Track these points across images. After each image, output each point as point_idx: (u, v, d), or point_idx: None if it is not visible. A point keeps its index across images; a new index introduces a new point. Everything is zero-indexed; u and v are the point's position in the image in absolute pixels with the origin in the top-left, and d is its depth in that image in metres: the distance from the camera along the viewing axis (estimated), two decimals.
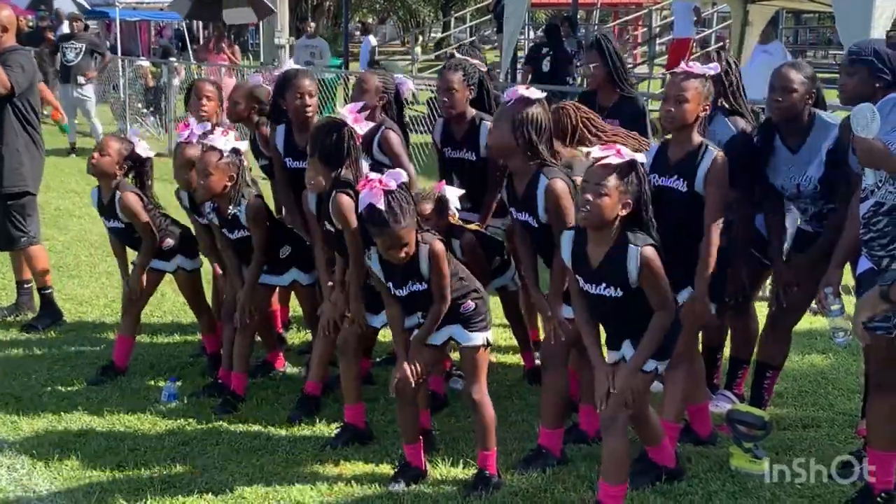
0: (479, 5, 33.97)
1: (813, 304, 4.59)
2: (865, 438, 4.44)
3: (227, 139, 5.13)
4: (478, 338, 4.30)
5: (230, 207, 5.17)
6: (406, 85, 5.89)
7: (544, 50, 14.60)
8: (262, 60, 18.15)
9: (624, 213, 3.80)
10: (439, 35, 37.78)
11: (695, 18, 17.30)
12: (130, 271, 5.75)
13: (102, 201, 5.70)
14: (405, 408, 4.43)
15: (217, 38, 17.21)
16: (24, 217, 6.73)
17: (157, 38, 31.83)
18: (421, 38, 41.38)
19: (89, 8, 21.67)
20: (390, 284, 4.29)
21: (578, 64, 14.00)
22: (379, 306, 4.67)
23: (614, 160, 3.77)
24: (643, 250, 3.77)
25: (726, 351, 5.50)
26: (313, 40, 18.53)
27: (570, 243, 3.99)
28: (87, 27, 18.17)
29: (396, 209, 4.01)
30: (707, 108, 4.43)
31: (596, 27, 29.13)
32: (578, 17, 24.58)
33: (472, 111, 5.47)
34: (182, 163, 5.34)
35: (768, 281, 7.28)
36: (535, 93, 4.43)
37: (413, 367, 4.31)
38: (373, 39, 23.30)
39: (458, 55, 5.90)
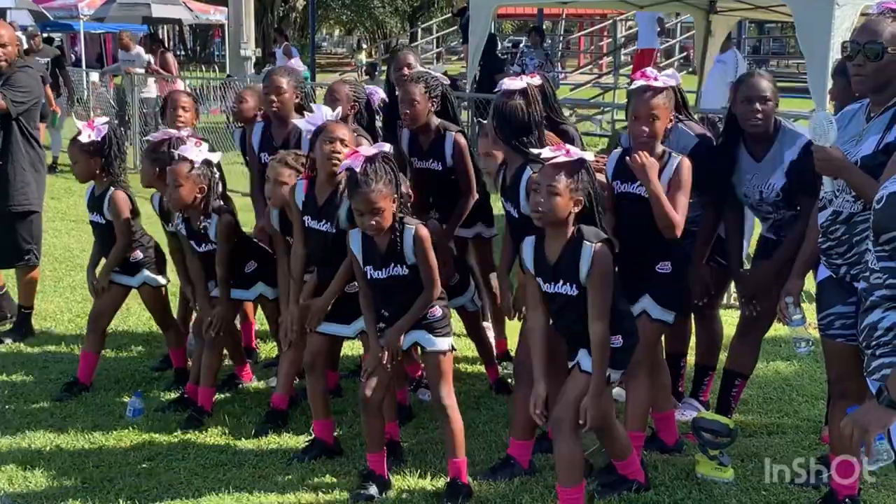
0: (445, 16, 34.13)
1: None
2: (829, 444, 4.49)
3: (199, 150, 5.13)
4: (443, 343, 4.34)
5: (200, 219, 5.15)
6: (377, 94, 5.89)
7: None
8: (227, 72, 18.04)
9: (576, 209, 3.90)
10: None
11: (658, 29, 17.45)
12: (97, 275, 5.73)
13: (94, 194, 5.68)
14: (370, 415, 4.43)
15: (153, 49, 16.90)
16: (31, 235, 6.72)
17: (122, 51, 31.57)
18: (366, 46, 41.53)
19: (52, 19, 21.53)
20: (369, 269, 4.29)
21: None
22: (348, 316, 4.68)
23: (563, 159, 3.88)
24: (596, 247, 3.87)
25: (691, 358, 5.53)
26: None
27: (531, 249, 4.07)
28: (51, 40, 18.04)
29: (371, 174, 4.11)
30: (672, 119, 4.47)
31: (561, 37, 29.34)
32: (544, 27, 24.73)
33: (436, 121, 5.48)
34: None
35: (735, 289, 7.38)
36: (516, 83, 4.49)
37: (384, 353, 4.33)
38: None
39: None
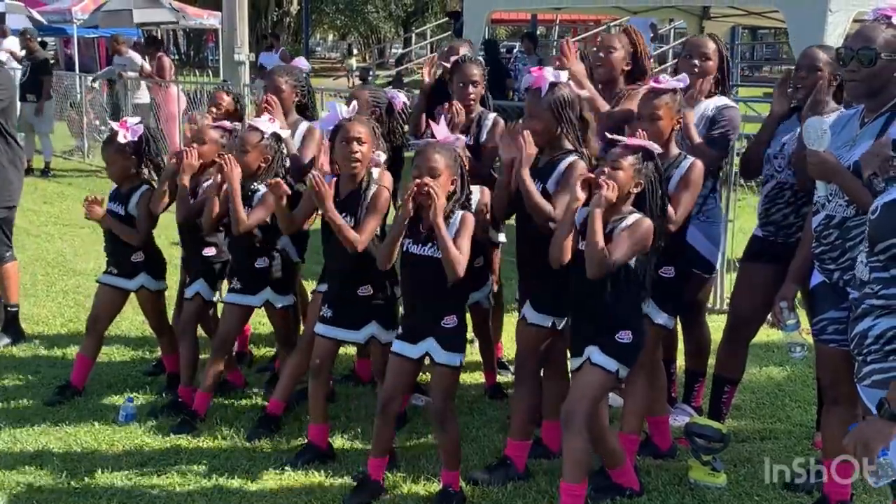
0: (439, 21, 34.14)
1: (769, 318, 4.65)
2: (822, 450, 4.49)
3: (271, 123, 5.20)
4: (454, 359, 4.30)
5: (254, 185, 5.16)
6: (398, 98, 5.77)
7: None
8: (221, 77, 18.01)
9: (636, 190, 4.03)
10: (400, 51, 37.84)
11: (651, 34, 17.51)
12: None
13: (120, 191, 5.66)
14: (385, 421, 4.42)
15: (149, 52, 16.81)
16: (8, 233, 6.70)
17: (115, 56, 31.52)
18: (356, 51, 41.54)
19: (46, 24, 21.49)
20: (408, 242, 4.29)
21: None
22: (358, 321, 4.68)
23: (635, 142, 4.06)
24: (641, 218, 4.00)
25: (681, 362, 5.54)
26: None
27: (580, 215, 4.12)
28: (44, 44, 18.00)
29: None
30: (680, 121, 4.49)
31: (555, 43, 29.37)
32: (538, 33, 24.77)
33: (479, 108, 5.46)
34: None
35: (728, 295, 7.40)
36: (560, 75, 4.49)
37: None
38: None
39: (462, 50, 5.77)
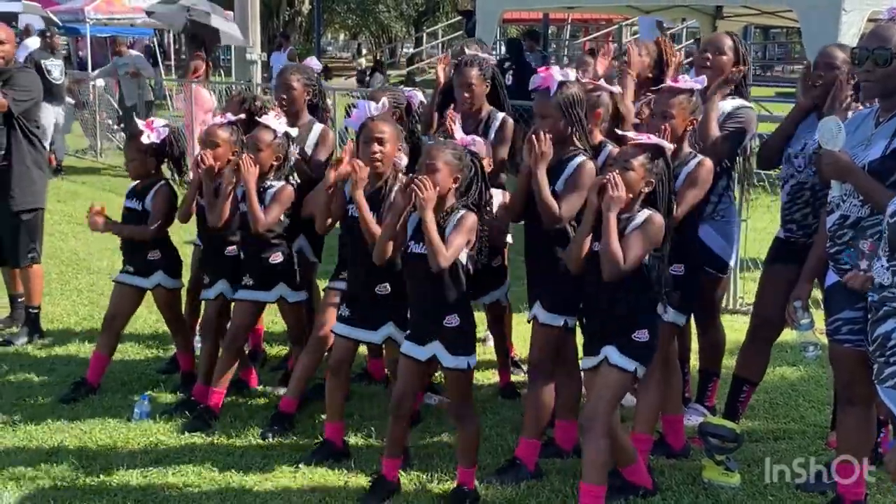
0: (450, 21, 34.14)
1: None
2: (836, 450, 4.49)
3: (280, 122, 5.24)
4: (461, 362, 4.29)
5: (266, 183, 5.19)
6: (416, 97, 5.74)
7: (506, 64, 14.68)
8: (233, 77, 18.02)
9: (647, 189, 4.02)
10: (412, 50, 37.89)
11: (659, 32, 17.43)
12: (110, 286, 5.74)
13: (136, 188, 5.71)
14: (399, 420, 4.44)
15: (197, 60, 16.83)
16: (34, 234, 6.75)
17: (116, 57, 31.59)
18: (366, 51, 41.56)
19: (60, 24, 21.53)
20: (412, 242, 4.27)
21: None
22: (375, 321, 4.70)
23: (644, 141, 4.06)
24: (651, 214, 4.00)
25: (694, 362, 5.54)
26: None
27: None
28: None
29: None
30: (694, 121, 4.49)
31: (567, 42, 29.35)
32: (550, 32, 24.74)
33: (488, 107, 5.44)
34: (206, 139, 5.40)
35: (743, 294, 7.40)
36: (568, 73, 4.49)
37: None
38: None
39: (468, 51, 5.75)
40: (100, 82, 16.55)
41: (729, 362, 5.39)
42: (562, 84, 4.41)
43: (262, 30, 19.36)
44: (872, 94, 3.93)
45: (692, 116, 4.47)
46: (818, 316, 4.29)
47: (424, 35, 34.85)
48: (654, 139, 4.08)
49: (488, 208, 4.38)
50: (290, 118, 5.57)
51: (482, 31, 10.55)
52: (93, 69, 19.20)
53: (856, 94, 4.48)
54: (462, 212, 4.21)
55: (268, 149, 5.17)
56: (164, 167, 5.79)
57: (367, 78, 24.98)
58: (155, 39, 26.53)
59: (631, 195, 3.99)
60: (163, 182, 5.66)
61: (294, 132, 5.35)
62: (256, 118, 5.41)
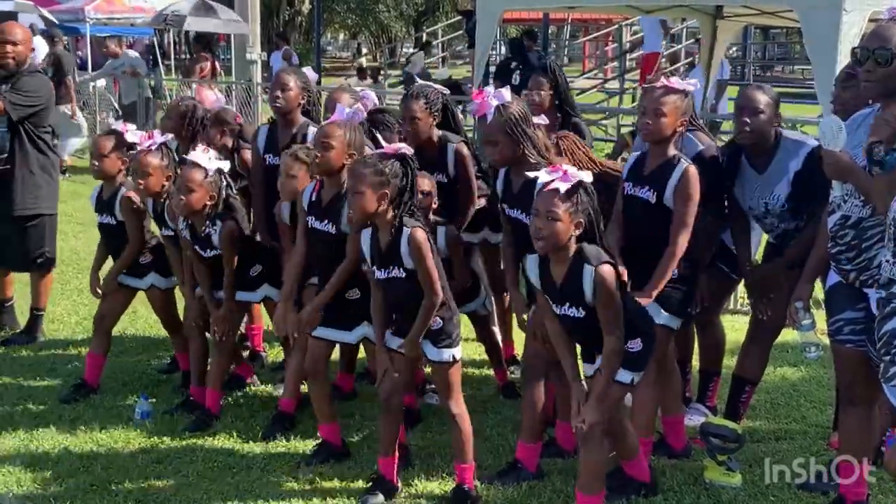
0: (450, 21, 34.11)
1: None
2: (838, 450, 4.48)
3: (210, 158, 5.12)
4: (445, 354, 4.29)
5: (205, 226, 5.14)
6: (370, 99, 5.73)
7: (513, 64, 14.71)
8: (233, 76, 18.02)
9: (577, 232, 3.86)
10: (411, 50, 37.80)
11: (662, 32, 17.45)
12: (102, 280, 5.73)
13: (102, 197, 5.66)
14: (388, 417, 4.43)
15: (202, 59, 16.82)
16: (41, 240, 6.69)
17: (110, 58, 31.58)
18: (366, 50, 41.54)
19: (58, 24, 21.52)
20: (374, 268, 4.27)
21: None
22: (350, 322, 4.69)
23: (561, 185, 3.81)
24: (598, 269, 3.83)
25: (695, 362, 5.54)
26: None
27: (535, 265, 4.05)
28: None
29: (373, 161, 4.15)
30: (685, 123, 4.47)
31: (567, 42, 29.34)
32: (550, 32, 24.73)
33: (437, 133, 5.40)
34: (136, 168, 5.33)
35: (743, 295, 7.39)
36: (502, 95, 4.48)
37: (393, 362, 4.35)
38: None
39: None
40: (101, 82, 16.55)
41: (729, 362, 5.39)
42: (498, 108, 4.42)
43: (262, 30, 19.34)
44: (873, 94, 3.93)
45: (683, 118, 4.45)
46: (819, 316, 4.29)
47: (424, 35, 34.76)
48: (569, 174, 3.85)
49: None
50: (283, 120, 5.54)
51: (482, 31, 10.54)
52: (93, 69, 19.20)
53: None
54: (407, 230, 4.13)
55: (200, 189, 5.04)
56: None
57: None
58: (155, 39, 26.53)
59: (560, 244, 3.86)
60: (123, 191, 5.53)
61: (226, 166, 5.23)
62: (198, 132, 5.39)
